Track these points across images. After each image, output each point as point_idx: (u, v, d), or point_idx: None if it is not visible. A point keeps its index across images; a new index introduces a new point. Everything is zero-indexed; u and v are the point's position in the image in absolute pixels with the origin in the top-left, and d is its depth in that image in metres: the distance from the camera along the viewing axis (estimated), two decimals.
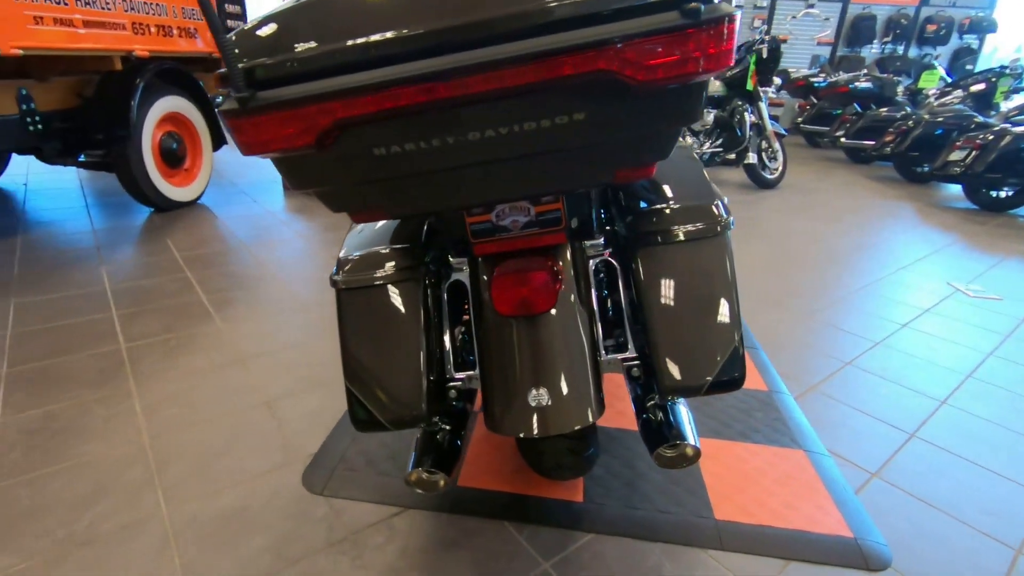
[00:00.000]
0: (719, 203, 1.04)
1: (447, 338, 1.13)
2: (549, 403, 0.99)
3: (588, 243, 1.11)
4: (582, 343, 1.02)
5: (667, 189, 1.11)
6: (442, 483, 1.04)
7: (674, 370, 1.00)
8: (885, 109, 5.53)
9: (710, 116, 4.61)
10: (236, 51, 0.63)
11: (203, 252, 2.91)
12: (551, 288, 0.95)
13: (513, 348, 1.01)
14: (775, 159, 4.73)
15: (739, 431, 1.60)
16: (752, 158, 4.59)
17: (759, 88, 4.51)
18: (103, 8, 2.62)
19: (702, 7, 0.58)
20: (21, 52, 2.23)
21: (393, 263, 1.06)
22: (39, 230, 3.16)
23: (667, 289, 1.01)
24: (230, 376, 1.80)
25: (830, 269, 2.92)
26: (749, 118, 4.47)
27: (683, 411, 1.09)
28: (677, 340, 1.00)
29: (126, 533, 1.21)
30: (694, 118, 0.68)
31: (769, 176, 4.73)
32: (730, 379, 0.99)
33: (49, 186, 4.28)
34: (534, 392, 1.00)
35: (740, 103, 4.51)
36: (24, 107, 2.60)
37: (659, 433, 1.05)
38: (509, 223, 1.00)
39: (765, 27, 7.23)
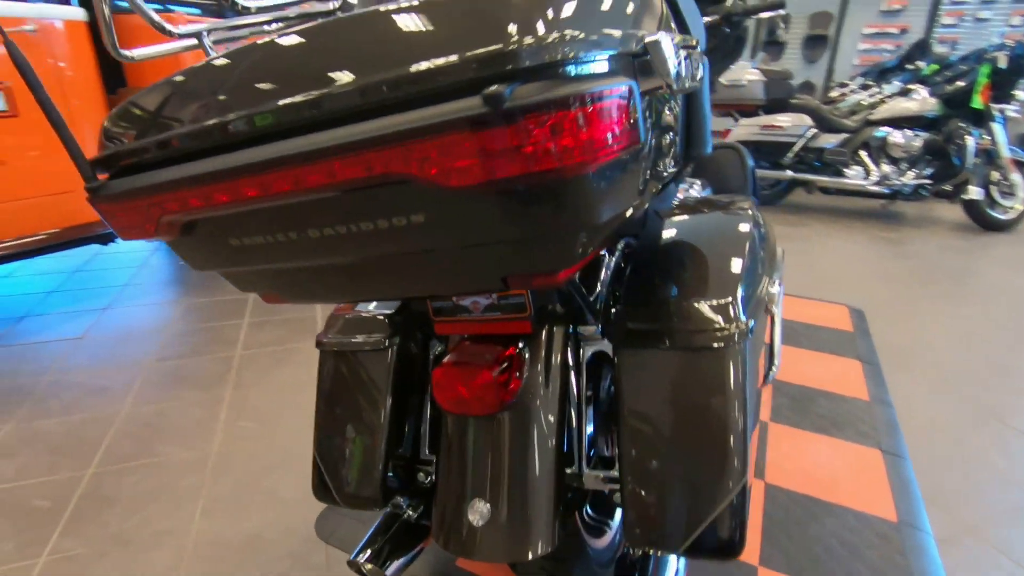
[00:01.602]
0: (735, 304, 0.77)
1: (428, 412, 1.03)
2: (486, 523, 0.82)
3: (582, 329, 0.92)
4: (542, 455, 0.83)
5: (683, 270, 0.87)
6: None
7: (641, 518, 0.76)
8: None
9: (917, 140, 3.76)
10: (109, 135, 0.62)
11: None
12: (496, 390, 0.79)
13: (461, 447, 0.86)
14: (1012, 195, 3.68)
15: None
16: (976, 192, 3.64)
17: (992, 106, 3.56)
18: None
19: (506, 92, 0.39)
20: None
21: (371, 329, 0.99)
22: None
23: (646, 407, 0.78)
24: (311, 395, 1.91)
25: None
26: (973, 143, 3.55)
27: (673, 564, 0.84)
28: (649, 479, 0.76)
29: (156, 540, 1.33)
30: (575, 222, 0.49)
31: (1000, 216, 3.70)
32: (718, 545, 0.72)
33: None
34: (475, 505, 0.84)
35: (962, 124, 3.60)
36: None
37: None
38: (469, 304, 0.86)
39: (1008, 30, 5.73)
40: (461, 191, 0.45)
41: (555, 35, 0.42)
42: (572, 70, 0.43)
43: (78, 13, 2.36)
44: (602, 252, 0.97)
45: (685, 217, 1.04)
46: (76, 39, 2.38)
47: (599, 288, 0.92)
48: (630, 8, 0.56)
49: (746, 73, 4.23)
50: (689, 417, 0.75)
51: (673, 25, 0.74)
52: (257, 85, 0.51)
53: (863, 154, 3.92)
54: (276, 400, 1.89)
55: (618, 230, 1.04)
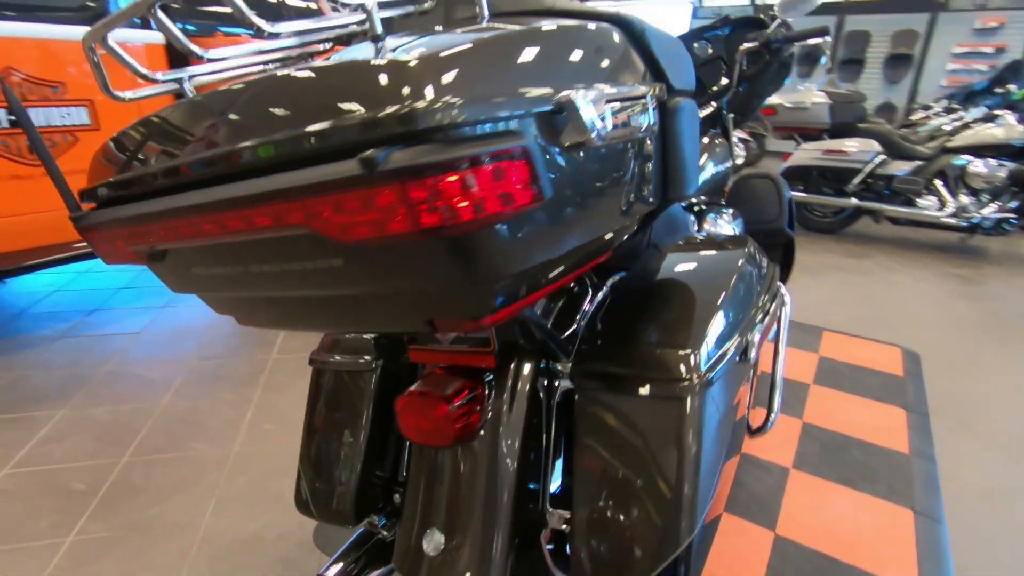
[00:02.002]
0: (696, 353, 0.74)
1: None
2: (440, 553, 0.83)
3: (560, 365, 0.91)
4: (499, 490, 0.83)
5: (657, 312, 0.84)
6: None
7: (587, 561, 0.74)
8: None
9: (1002, 171, 3.46)
10: (95, 168, 0.68)
11: None
12: (453, 423, 0.79)
13: (421, 476, 0.87)
14: None
15: None
16: None
17: None
18: None
19: (379, 156, 0.40)
20: None
21: (359, 350, 1.02)
22: None
23: (599, 450, 0.76)
24: None
25: None
26: None
27: None
28: (596, 523, 0.74)
29: (169, 533, 1.42)
30: (477, 275, 0.49)
31: None
32: None
33: None
34: (431, 534, 0.84)
35: None
36: None
37: None
38: (439, 333, 0.87)
39: None
40: (362, 243, 0.46)
41: (445, 100, 0.43)
42: (463, 132, 0.44)
43: (157, 36, 2.60)
44: (578, 286, 0.96)
45: (679, 255, 1.01)
46: (154, 58, 2.62)
47: (576, 323, 0.91)
48: (554, 64, 0.56)
49: (811, 96, 4.05)
50: (640, 465, 0.73)
51: (643, 72, 0.73)
52: (194, 134, 0.55)
53: (938, 183, 3.65)
54: (299, 405, 1.97)
55: (607, 264, 1.03)
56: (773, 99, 6.15)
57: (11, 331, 2.54)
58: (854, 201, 3.88)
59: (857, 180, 3.84)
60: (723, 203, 2.00)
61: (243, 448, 1.74)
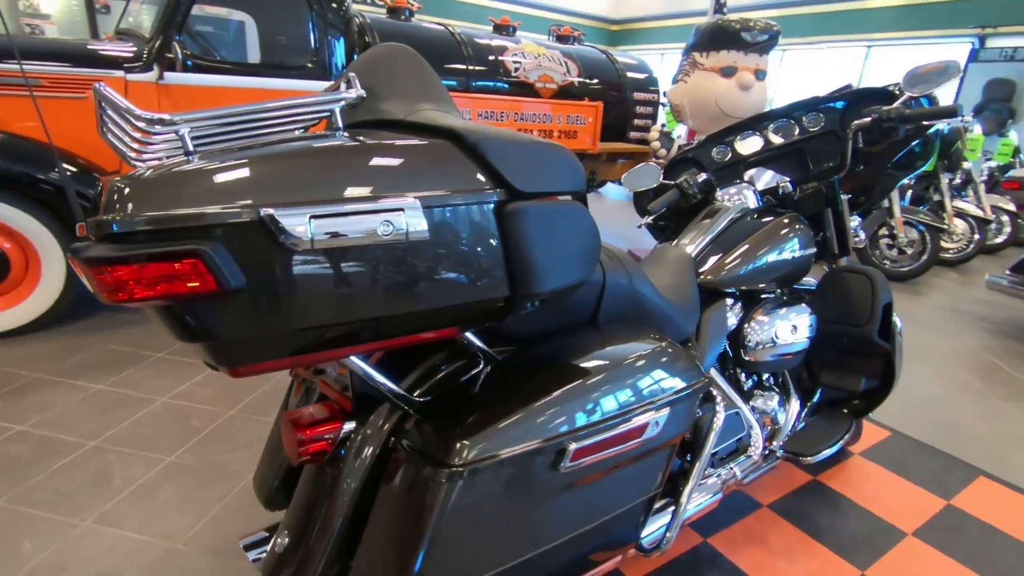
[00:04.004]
0: (472, 445, 0.77)
1: None
2: (280, 552, 0.98)
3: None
4: (334, 511, 0.95)
5: (486, 394, 0.88)
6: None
7: None
8: None
9: None
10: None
11: None
12: (297, 448, 0.93)
13: (300, 484, 1.04)
14: None
15: None
16: None
17: None
18: (497, 121, 3.58)
19: (83, 249, 0.57)
20: None
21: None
22: None
23: (380, 508, 0.84)
24: None
25: None
26: None
27: None
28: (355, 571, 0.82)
29: (226, 478, 1.80)
30: (189, 336, 0.64)
31: None
32: None
33: None
34: (282, 534, 1.00)
35: None
36: None
37: None
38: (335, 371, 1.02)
39: None
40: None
41: (128, 214, 0.59)
42: (146, 235, 0.59)
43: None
44: (466, 358, 1.01)
45: (566, 342, 1.01)
46: None
47: (435, 387, 0.98)
48: (351, 173, 0.68)
49: None
50: (395, 536, 0.79)
51: (479, 178, 0.77)
52: None
53: None
54: None
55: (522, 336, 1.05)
56: (1019, 171, 4.92)
57: None
58: None
59: None
60: (789, 295, 1.77)
61: None
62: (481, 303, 0.80)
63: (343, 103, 0.85)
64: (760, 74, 3.72)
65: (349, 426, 1.00)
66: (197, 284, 0.59)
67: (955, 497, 1.91)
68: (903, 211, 4.45)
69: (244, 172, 0.65)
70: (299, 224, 0.63)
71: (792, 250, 1.57)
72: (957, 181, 5.04)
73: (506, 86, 3.85)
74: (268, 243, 0.63)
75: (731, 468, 1.41)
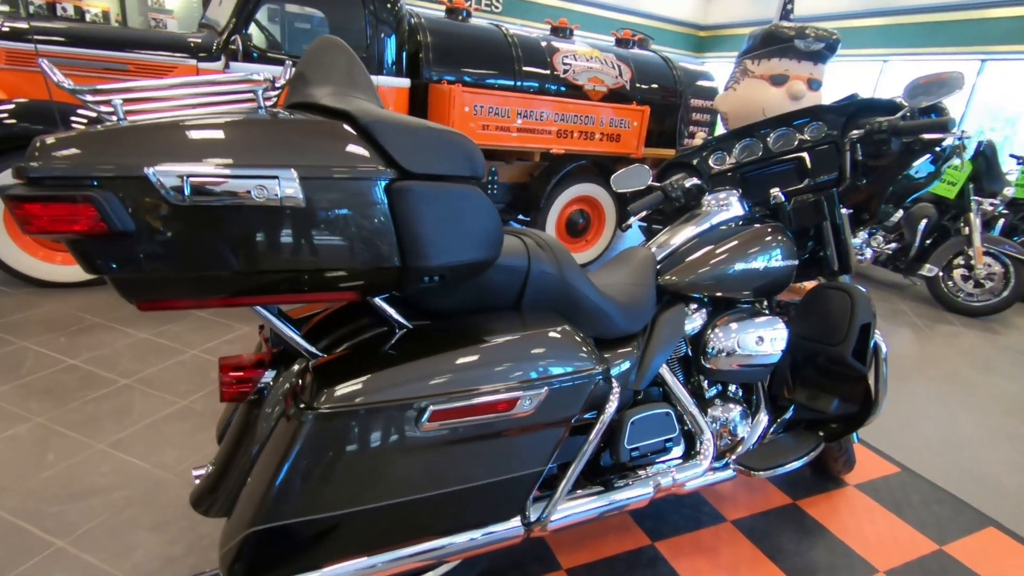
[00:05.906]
0: (332, 390, 0.88)
1: None
2: (200, 481, 1.12)
3: None
4: (238, 453, 1.09)
5: (381, 351, 0.99)
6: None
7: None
8: None
9: None
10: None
11: None
12: (221, 387, 1.06)
13: (234, 423, 1.17)
14: None
15: None
16: None
17: None
18: (537, 120, 3.62)
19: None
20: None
21: None
22: None
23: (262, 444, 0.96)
24: None
25: None
26: None
27: None
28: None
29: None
30: (92, 269, 0.76)
31: None
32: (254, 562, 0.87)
33: None
34: (208, 466, 1.14)
35: None
36: (490, 179, 3.92)
37: None
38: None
39: None
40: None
41: (58, 164, 0.71)
42: (55, 180, 0.72)
43: (405, 82, 3.43)
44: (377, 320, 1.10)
45: (476, 320, 1.08)
46: (400, 97, 3.46)
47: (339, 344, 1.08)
48: (260, 143, 0.79)
49: None
50: (262, 465, 0.91)
51: (371, 157, 0.86)
52: None
53: None
54: None
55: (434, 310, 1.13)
56: None
57: None
58: None
59: None
60: (770, 306, 1.72)
61: None
62: (373, 271, 0.89)
63: (256, 87, 0.92)
64: (814, 84, 3.54)
65: (271, 374, 1.12)
66: (91, 225, 0.72)
67: (951, 543, 1.77)
68: (985, 240, 4.07)
69: (143, 136, 0.77)
70: (176, 182, 0.74)
71: (767, 260, 1.53)
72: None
73: (553, 87, 3.90)
74: (153, 197, 0.75)
75: (669, 469, 1.41)
